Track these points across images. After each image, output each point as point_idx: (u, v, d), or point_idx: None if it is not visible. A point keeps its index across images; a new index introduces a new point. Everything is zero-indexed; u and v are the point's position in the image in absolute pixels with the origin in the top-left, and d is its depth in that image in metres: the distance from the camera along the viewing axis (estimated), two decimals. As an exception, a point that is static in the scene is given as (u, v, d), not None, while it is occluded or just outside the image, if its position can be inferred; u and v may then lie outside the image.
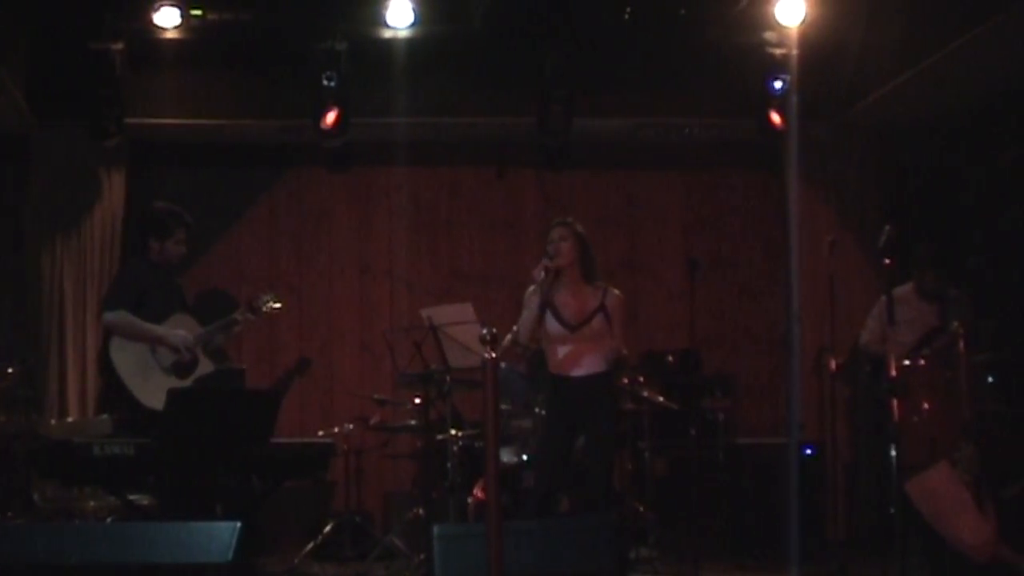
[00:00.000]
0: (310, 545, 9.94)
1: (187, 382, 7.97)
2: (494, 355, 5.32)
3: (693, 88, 11.17)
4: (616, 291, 8.11)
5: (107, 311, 8.02)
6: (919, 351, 8.73)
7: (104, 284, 10.63)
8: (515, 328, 8.13)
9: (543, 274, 7.84)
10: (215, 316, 8.45)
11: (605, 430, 8.00)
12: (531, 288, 8.00)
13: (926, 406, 8.36)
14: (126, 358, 7.90)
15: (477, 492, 9.05)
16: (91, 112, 10.08)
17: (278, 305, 8.72)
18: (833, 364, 9.48)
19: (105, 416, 9.01)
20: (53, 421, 10.19)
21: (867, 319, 9.44)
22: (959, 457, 6.85)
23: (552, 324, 7.97)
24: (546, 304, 7.91)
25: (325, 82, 10.11)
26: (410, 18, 9.92)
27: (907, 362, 8.38)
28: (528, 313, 7.95)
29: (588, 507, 7.96)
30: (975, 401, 7.92)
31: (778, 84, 10.51)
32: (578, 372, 7.97)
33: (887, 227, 8.30)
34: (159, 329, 7.97)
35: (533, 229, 11.50)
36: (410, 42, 10.30)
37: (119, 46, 10.00)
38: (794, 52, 10.38)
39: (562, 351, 8.01)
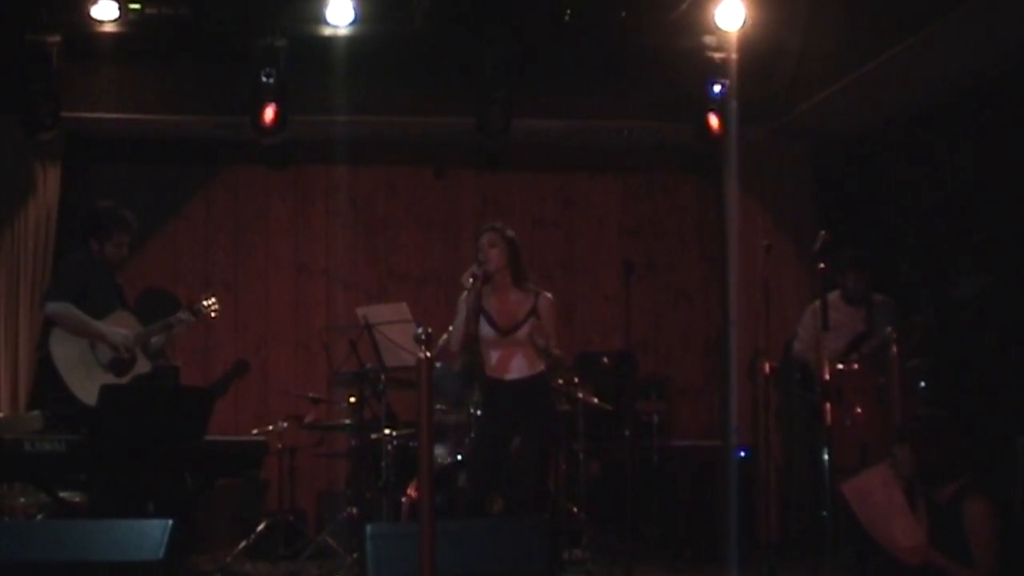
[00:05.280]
0: (242, 544, 9.90)
1: (124, 380, 7.94)
2: (428, 355, 5.34)
3: (632, 91, 11.19)
4: (547, 294, 8.16)
5: (50, 302, 8.01)
6: (848, 356, 8.80)
7: (37, 278, 10.55)
8: (450, 330, 8.16)
9: (471, 281, 7.87)
10: (156, 315, 8.44)
11: (538, 432, 8.07)
12: (464, 293, 8.02)
13: (858, 410, 8.44)
14: (66, 352, 7.89)
15: (410, 492, 9.04)
16: (26, 105, 9.96)
17: (215, 313, 8.72)
18: (767, 367, 9.53)
19: (36, 412, 8.94)
20: (-17, 417, 10.11)
21: (797, 328, 9.51)
22: (895, 460, 6.91)
23: (485, 329, 8.04)
24: (478, 310, 7.95)
25: (264, 78, 10.05)
26: (350, 16, 9.88)
27: (840, 366, 8.46)
28: (457, 319, 7.98)
29: (518, 508, 7.99)
30: (907, 406, 7.99)
31: (717, 88, 10.53)
32: (511, 375, 8.04)
33: (822, 232, 8.37)
34: (101, 326, 7.96)
35: (470, 230, 11.46)
36: (350, 40, 10.26)
37: (55, 39, 9.89)
38: (733, 56, 10.41)
39: (495, 355, 8.09)
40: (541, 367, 8.07)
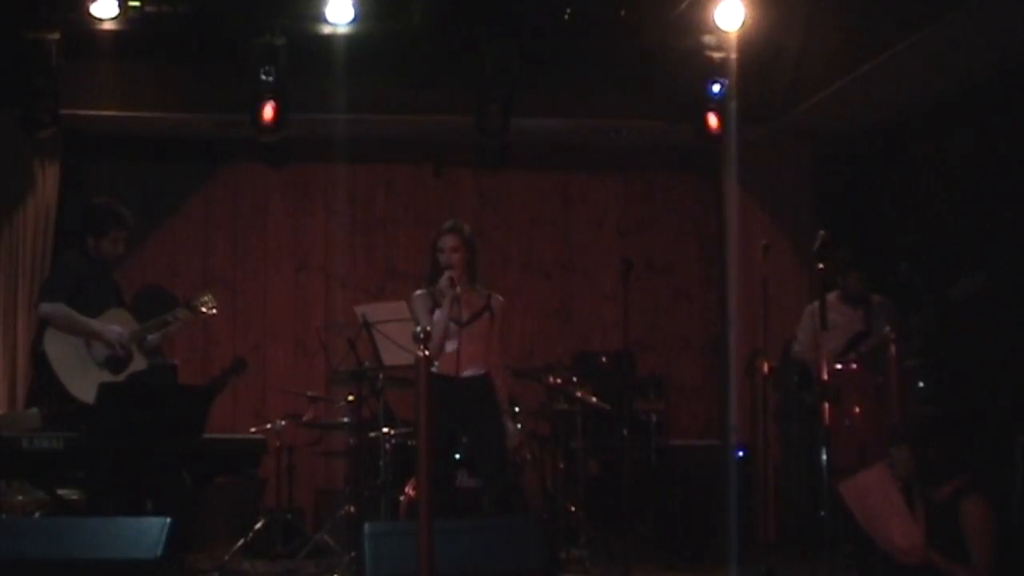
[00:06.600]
0: (240, 542, 9.88)
1: (120, 378, 7.93)
2: (427, 353, 5.33)
3: (631, 90, 11.18)
4: (499, 297, 8.15)
5: (44, 302, 7.97)
6: (846, 356, 8.80)
7: (36, 276, 10.55)
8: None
9: (454, 286, 7.80)
10: (154, 313, 8.41)
11: (489, 431, 8.02)
12: (418, 292, 7.99)
13: (856, 410, 8.44)
14: (60, 351, 7.85)
15: (409, 490, 9.03)
16: (25, 102, 9.96)
17: (214, 311, 8.71)
18: (766, 367, 9.54)
19: (34, 410, 8.93)
20: (-19, 414, 10.11)
21: (796, 330, 9.50)
22: (892, 460, 6.91)
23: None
24: (436, 306, 7.89)
25: (263, 77, 10.04)
26: (350, 15, 9.87)
27: (839, 366, 8.45)
28: (439, 314, 7.82)
29: (497, 507, 7.97)
30: (905, 406, 7.99)
31: (716, 88, 10.52)
32: (461, 372, 7.96)
33: (821, 232, 8.37)
34: (95, 323, 7.93)
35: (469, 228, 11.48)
36: (349, 39, 10.25)
37: (55, 36, 9.88)
38: (733, 56, 10.41)
39: (448, 347, 7.96)
40: (488, 368, 8.04)
